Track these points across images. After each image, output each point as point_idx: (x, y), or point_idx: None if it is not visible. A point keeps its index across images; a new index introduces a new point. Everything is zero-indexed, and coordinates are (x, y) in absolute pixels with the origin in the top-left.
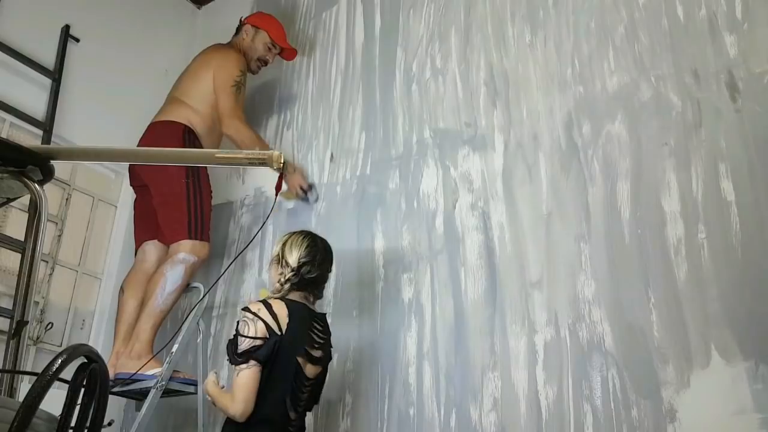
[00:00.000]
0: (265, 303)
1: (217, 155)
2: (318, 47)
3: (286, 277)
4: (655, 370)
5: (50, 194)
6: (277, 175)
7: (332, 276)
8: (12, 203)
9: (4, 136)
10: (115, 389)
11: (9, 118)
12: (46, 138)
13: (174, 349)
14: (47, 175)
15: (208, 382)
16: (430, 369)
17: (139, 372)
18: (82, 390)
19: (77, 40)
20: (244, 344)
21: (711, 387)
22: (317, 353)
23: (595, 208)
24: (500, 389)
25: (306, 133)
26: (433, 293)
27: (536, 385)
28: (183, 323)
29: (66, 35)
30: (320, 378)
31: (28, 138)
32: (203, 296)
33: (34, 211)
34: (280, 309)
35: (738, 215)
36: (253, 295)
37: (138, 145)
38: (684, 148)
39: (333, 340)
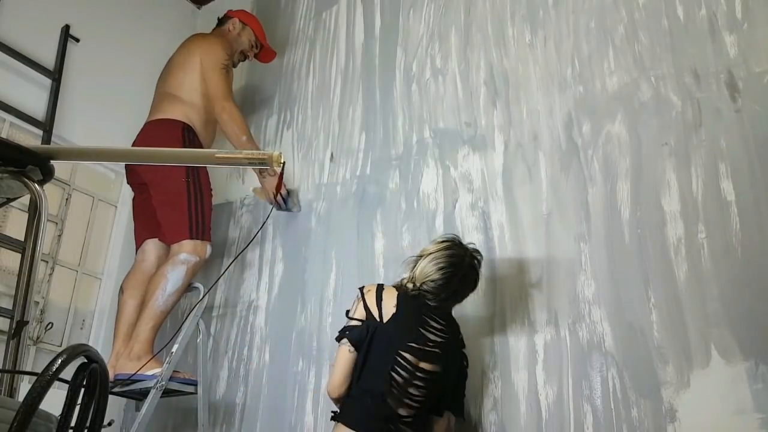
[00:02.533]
0: (379, 287)
1: (217, 155)
2: (318, 47)
3: (406, 284)
4: (655, 370)
5: (50, 194)
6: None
7: (332, 276)
8: (12, 203)
9: (4, 136)
10: (115, 389)
11: (9, 118)
12: (46, 138)
13: (174, 349)
14: (47, 175)
15: None
16: None
17: (138, 372)
18: (82, 390)
19: (77, 40)
20: (346, 322)
21: (711, 387)
22: (430, 350)
23: (595, 208)
24: (500, 389)
25: (306, 133)
26: None
27: (536, 385)
28: (183, 323)
29: (66, 35)
30: (444, 378)
31: (28, 138)
32: (203, 296)
33: (34, 211)
34: (389, 298)
35: (738, 215)
36: (254, 295)
37: (134, 144)
38: (684, 148)
39: (332, 339)
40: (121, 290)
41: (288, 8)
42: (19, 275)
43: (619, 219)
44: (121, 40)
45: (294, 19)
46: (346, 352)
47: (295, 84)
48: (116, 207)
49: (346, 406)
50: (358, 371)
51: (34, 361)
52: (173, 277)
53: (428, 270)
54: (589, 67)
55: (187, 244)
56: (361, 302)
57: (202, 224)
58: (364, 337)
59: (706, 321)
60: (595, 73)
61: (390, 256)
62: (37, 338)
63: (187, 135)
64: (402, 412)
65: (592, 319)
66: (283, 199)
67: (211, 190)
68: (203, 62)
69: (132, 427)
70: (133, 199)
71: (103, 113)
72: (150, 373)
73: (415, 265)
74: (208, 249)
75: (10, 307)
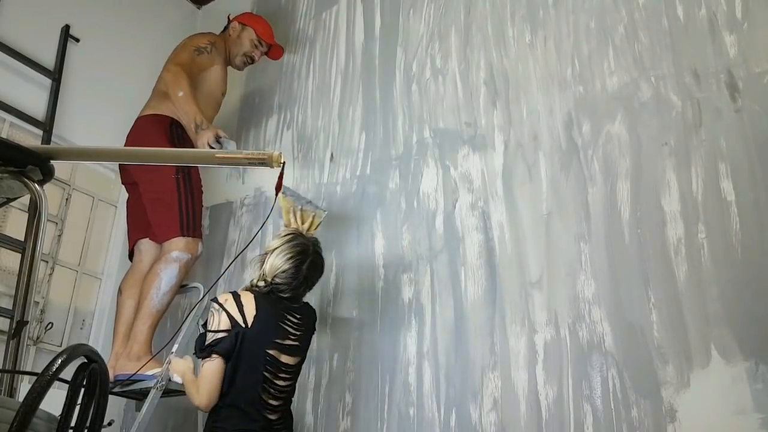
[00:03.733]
0: (235, 294)
1: (216, 155)
2: (318, 47)
3: (256, 284)
4: (655, 370)
5: (50, 194)
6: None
7: (332, 276)
8: (12, 203)
9: (4, 136)
10: (115, 389)
11: (9, 118)
12: (46, 138)
13: (174, 349)
14: (47, 175)
15: (185, 369)
16: (430, 369)
17: (138, 372)
18: (82, 390)
19: (77, 40)
20: (208, 338)
21: (711, 387)
22: (291, 343)
23: (595, 208)
24: (500, 389)
25: (306, 133)
26: (433, 293)
27: (536, 385)
28: (183, 323)
29: (66, 35)
30: (299, 366)
31: (28, 138)
32: (203, 296)
33: (34, 211)
34: (248, 301)
35: (738, 215)
36: None
37: (126, 140)
38: (684, 148)
39: (332, 339)
40: (120, 291)
41: (288, 8)
42: (19, 275)
43: (619, 219)
44: (121, 40)
45: (294, 19)
46: (215, 367)
47: (295, 84)
48: (116, 207)
49: (223, 416)
50: (228, 380)
51: (34, 361)
52: (167, 276)
53: (277, 263)
54: (589, 67)
55: (179, 242)
56: (223, 312)
57: (193, 221)
58: (233, 346)
59: (706, 321)
60: (595, 73)
61: (390, 256)
62: (37, 338)
63: (174, 130)
64: (273, 402)
65: (592, 319)
66: (219, 141)
67: (202, 187)
68: (182, 44)
69: (132, 427)
70: (127, 200)
71: (103, 113)
72: (150, 373)
73: (263, 264)
74: (200, 246)
75: (10, 307)
